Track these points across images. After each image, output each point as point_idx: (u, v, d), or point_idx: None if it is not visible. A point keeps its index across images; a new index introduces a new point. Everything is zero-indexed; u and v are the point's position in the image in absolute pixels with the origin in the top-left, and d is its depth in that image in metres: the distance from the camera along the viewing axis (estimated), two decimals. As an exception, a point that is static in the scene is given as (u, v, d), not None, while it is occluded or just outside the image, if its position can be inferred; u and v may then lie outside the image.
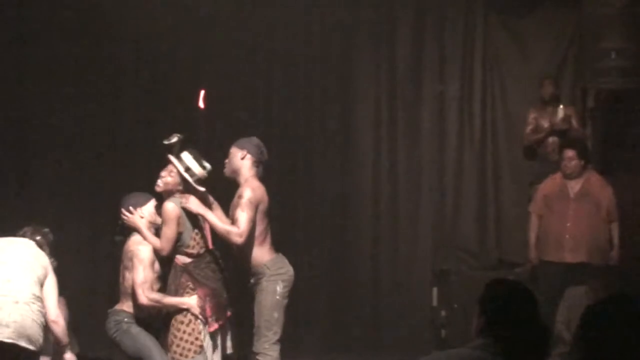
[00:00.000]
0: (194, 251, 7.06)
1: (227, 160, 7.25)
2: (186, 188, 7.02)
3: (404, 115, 10.50)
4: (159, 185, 7.12)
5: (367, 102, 10.52)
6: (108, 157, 10.28)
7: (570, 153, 9.24)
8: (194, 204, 6.93)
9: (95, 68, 10.22)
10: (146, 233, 7.06)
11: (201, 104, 8.48)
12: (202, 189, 7.08)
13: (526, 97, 10.25)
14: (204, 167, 7.01)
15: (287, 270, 7.28)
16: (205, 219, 7.00)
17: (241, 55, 10.23)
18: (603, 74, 9.62)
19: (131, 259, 6.98)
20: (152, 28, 9.98)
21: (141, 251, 6.99)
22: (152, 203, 7.17)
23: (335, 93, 10.47)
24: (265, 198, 7.21)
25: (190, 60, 10.20)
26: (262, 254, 7.20)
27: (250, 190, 7.09)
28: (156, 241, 7.03)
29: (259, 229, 7.18)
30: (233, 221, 7.08)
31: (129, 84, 10.37)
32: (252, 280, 7.24)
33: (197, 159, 7.00)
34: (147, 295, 6.90)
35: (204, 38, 10.13)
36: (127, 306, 7.07)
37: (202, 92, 8.43)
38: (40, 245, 6.42)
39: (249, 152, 7.20)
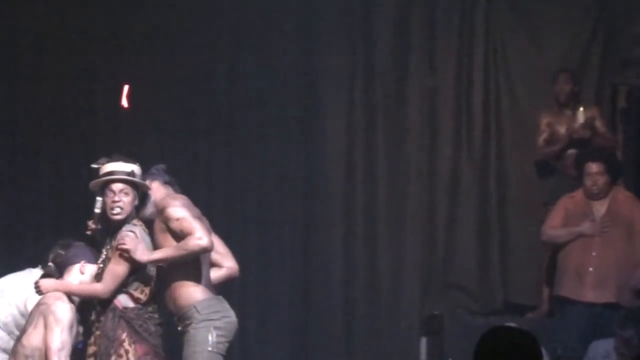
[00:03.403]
0: (142, 296, 6.82)
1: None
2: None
3: (384, 116, 9.94)
4: (119, 213, 6.77)
5: (337, 100, 9.94)
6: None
7: (595, 167, 8.67)
8: (142, 254, 6.72)
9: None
10: (76, 287, 6.73)
11: (124, 103, 8.42)
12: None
13: (539, 95, 9.72)
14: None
15: (224, 315, 6.85)
16: (161, 260, 6.81)
17: (192, 45, 9.80)
18: (637, 66, 9.28)
19: (44, 316, 6.53)
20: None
21: (60, 309, 6.54)
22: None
23: (297, 89, 9.91)
24: (192, 205, 7.02)
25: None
26: (191, 291, 6.82)
27: (172, 199, 6.90)
28: (93, 289, 6.76)
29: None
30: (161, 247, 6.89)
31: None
32: (179, 327, 6.87)
33: None
34: None
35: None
36: None
37: (126, 88, 8.35)
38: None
39: (152, 180, 7.07)
